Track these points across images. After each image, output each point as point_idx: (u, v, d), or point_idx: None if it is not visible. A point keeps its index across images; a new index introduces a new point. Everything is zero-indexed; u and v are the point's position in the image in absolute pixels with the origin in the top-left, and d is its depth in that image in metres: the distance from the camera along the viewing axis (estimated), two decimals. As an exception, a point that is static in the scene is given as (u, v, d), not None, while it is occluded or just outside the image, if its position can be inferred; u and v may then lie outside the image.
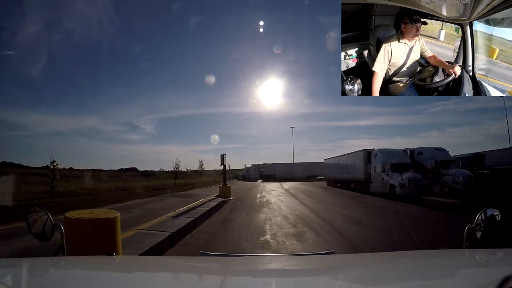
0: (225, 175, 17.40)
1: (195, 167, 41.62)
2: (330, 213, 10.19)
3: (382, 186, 15.55)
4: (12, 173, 13.53)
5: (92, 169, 39.44)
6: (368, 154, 17.58)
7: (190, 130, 70.63)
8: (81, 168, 38.86)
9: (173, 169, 33.70)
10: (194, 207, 10.11)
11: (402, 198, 13.30)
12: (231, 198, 14.74)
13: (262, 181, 37.00)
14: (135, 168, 49.09)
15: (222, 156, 16.52)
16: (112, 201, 12.27)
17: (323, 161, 39.05)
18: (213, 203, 11.49)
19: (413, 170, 14.63)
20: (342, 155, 22.81)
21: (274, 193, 19.33)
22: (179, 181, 32.39)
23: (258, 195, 17.66)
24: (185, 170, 37.11)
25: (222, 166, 17.07)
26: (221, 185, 16.41)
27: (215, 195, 15.10)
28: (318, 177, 36.71)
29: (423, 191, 13.84)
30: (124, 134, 69.30)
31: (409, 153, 16.66)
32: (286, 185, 28.98)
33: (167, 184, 28.16)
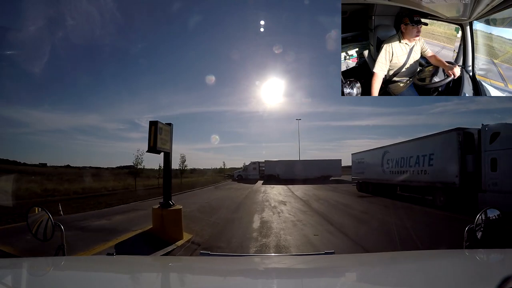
0: (167, 181, 6.44)
1: (196, 165, 37.42)
2: None
3: None
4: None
5: (90, 167, 39.99)
6: (467, 137, 9.69)
7: (191, 128, 70.93)
8: (79, 166, 39.27)
9: (133, 165, 24.58)
10: None
11: None
12: (180, 241, 5.63)
13: (263, 183, 29.67)
14: (133, 165, 49.56)
15: (152, 127, 5.67)
16: None
17: (332, 158, 34.78)
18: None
19: None
20: (393, 144, 14.55)
21: (285, 210, 10.31)
22: (146, 182, 25.71)
23: (257, 222, 8.04)
24: (158, 167, 27.46)
25: (163, 161, 6.48)
26: (156, 206, 6.11)
27: (145, 229, 6.31)
28: (332, 178, 32.71)
29: None
30: (126, 132, 69.95)
31: None
32: (298, 190, 19.52)
33: (129, 185, 22.29)
